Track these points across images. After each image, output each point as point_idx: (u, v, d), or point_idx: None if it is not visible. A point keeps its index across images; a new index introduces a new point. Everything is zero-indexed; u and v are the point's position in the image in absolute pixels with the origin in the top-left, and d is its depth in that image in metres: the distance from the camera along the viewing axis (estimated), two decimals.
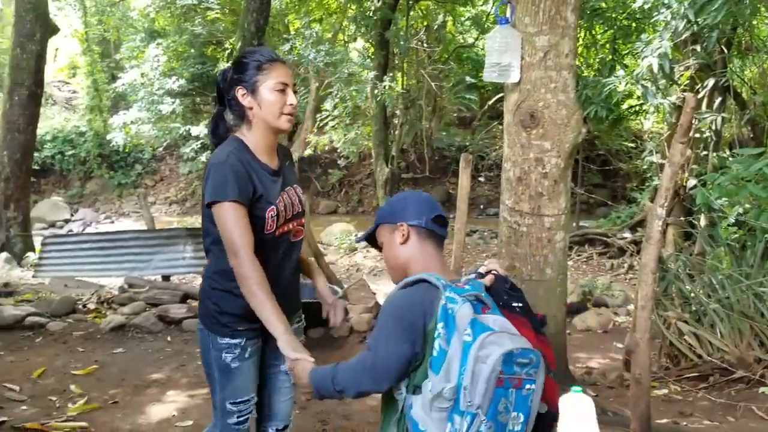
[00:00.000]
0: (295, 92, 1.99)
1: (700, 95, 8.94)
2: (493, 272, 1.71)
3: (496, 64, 2.98)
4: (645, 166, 11.76)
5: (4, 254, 9.42)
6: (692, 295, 4.49)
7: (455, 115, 17.93)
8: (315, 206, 15.90)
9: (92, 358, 4.63)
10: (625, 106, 15.59)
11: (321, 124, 14.10)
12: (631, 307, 6.83)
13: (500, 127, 18.06)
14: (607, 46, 10.89)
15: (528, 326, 1.63)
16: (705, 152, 9.20)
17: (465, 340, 1.46)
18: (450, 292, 1.55)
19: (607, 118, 9.58)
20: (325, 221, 14.07)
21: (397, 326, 1.59)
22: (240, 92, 1.96)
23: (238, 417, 2.11)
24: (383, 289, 6.64)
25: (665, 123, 12.26)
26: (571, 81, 3.01)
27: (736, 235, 4.84)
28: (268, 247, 1.99)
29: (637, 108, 15.94)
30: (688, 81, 9.77)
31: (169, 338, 5.14)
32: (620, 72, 9.72)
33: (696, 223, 8.24)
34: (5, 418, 3.48)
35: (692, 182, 8.75)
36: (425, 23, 15.35)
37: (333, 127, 13.64)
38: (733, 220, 4.56)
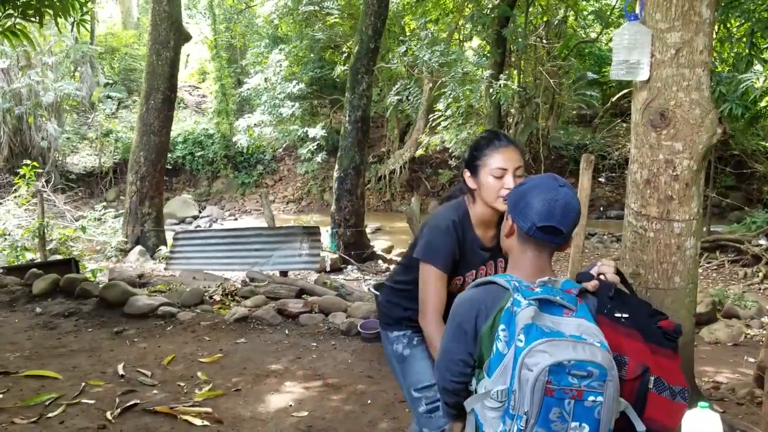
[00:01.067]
0: (519, 175, 2.11)
1: None
2: (600, 276, 1.66)
3: (624, 61, 2.83)
4: None
5: (139, 247, 10.23)
6: None
7: (574, 112, 17.33)
8: (425, 206, 15.95)
9: (217, 347, 4.90)
10: (762, 104, 14.39)
11: (433, 125, 14.11)
12: (765, 319, 6.39)
13: (624, 125, 17.35)
14: (744, 39, 10.11)
15: (636, 337, 1.56)
16: None
17: (517, 346, 1.45)
18: (518, 295, 1.52)
19: (742, 117, 8.89)
20: None
21: (451, 324, 1.66)
22: (467, 174, 2.18)
23: (426, 404, 2.27)
24: None
25: None
26: (705, 79, 2.79)
27: None
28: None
29: None
30: None
31: (286, 331, 5.35)
32: (758, 67, 8.98)
33: None
34: (138, 401, 3.77)
35: None
36: (545, 19, 14.93)
37: (445, 127, 13.60)
38: None
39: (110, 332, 5.19)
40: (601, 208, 15.43)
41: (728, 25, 11.05)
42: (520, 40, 12.70)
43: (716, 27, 11.07)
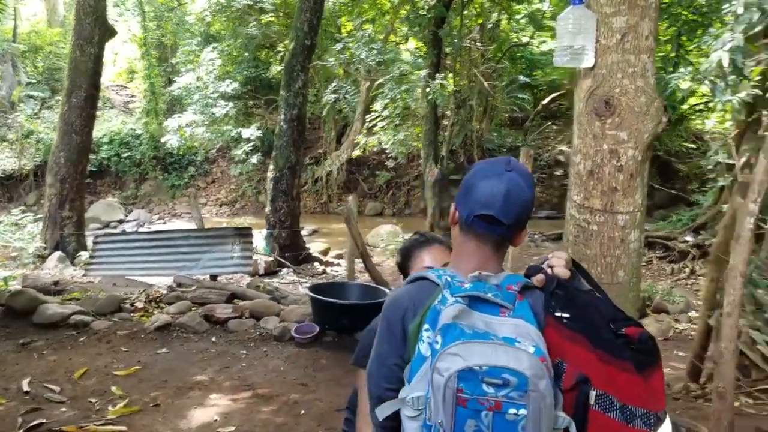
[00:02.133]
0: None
1: None
2: (546, 270, 1.46)
3: (569, 47, 2.70)
4: (710, 167, 11.17)
5: (58, 253, 9.57)
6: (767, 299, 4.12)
7: (507, 115, 17.55)
8: (362, 208, 15.75)
9: (135, 358, 4.53)
10: (685, 106, 14.94)
11: (370, 125, 13.93)
12: (693, 313, 6.50)
13: (554, 127, 17.69)
14: (671, 42, 10.44)
15: (581, 342, 1.35)
16: None
17: (433, 348, 1.31)
18: (446, 291, 1.37)
19: (669, 119, 9.09)
20: (371, 223, 13.90)
21: (381, 326, 1.50)
22: (401, 280, 2.09)
23: None
24: None
25: (733, 121, 11.63)
26: (650, 65, 2.70)
27: None
28: None
29: (702, 107, 15.27)
30: (759, 77, 9.18)
31: (213, 339, 5.02)
32: (683, 69, 9.22)
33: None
34: (43, 420, 3.40)
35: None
36: (479, 21, 15.03)
37: (382, 128, 13.45)
38: None
39: (16, 344, 4.73)
40: (533, 208, 15.66)
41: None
42: (455, 41, 12.69)
43: None
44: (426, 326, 1.36)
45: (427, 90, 10.78)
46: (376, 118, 13.15)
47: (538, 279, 1.45)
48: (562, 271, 1.47)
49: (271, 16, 15.83)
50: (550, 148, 17.19)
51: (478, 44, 14.99)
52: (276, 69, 14.24)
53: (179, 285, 7.02)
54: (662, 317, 6.21)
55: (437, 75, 11.61)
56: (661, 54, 10.91)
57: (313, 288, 5.39)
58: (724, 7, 8.28)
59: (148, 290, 6.70)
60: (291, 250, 9.78)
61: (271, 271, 9.11)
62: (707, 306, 4.35)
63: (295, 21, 9.95)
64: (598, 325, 1.39)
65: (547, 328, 1.37)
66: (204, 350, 4.74)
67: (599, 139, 2.79)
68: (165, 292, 6.59)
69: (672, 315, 6.41)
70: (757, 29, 8.50)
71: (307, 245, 10.63)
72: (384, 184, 16.31)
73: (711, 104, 13.06)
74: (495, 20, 15.76)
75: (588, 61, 2.71)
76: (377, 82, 12.65)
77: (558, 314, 1.39)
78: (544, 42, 17.91)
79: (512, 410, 1.24)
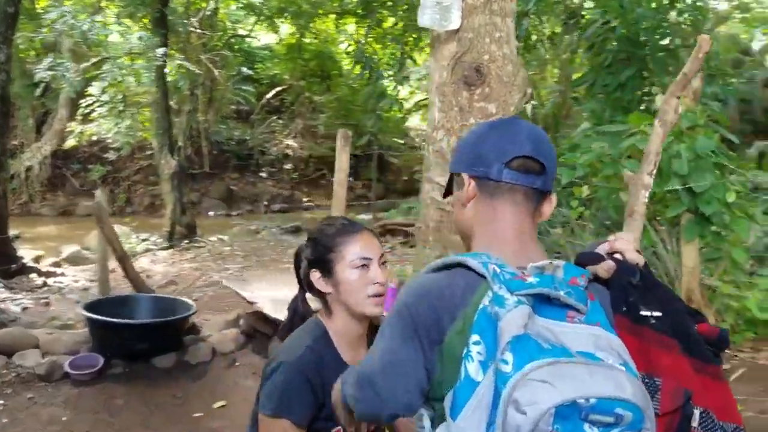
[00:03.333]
0: (383, 263, 1.64)
1: None
2: (617, 255, 1.13)
3: (436, 3, 2.55)
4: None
5: None
6: None
7: (233, 107, 17.08)
8: (72, 207, 13.81)
9: None
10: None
11: (87, 112, 12.19)
12: None
13: (280, 121, 17.74)
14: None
15: (676, 350, 1.07)
16: None
17: (501, 370, 0.93)
18: (499, 287, 1.00)
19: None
20: (89, 223, 12.21)
21: (397, 323, 1.11)
22: (315, 275, 1.66)
23: None
24: (259, 293, 5.35)
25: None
26: (513, 31, 2.70)
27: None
28: None
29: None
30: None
31: None
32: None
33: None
34: None
35: None
36: (203, 5, 14.25)
37: (102, 115, 11.87)
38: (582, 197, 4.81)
39: None
40: (266, 203, 15.54)
41: (383, 26, 12.13)
42: (183, 22, 11.81)
43: (375, 26, 12.05)
44: (475, 337, 0.98)
45: (165, 71, 9.81)
46: (93, 103, 11.53)
47: (607, 267, 1.10)
48: (636, 257, 1.13)
49: None
50: (277, 142, 17.22)
51: (199, 31, 14.22)
52: None
53: None
54: None
55: (166, 58, 10.64)
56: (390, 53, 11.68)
57: (90, 306, 4.36)
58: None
59: None
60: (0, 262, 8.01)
61: None
62: None
63: None
64: (687, 324, 1.10)
65: (620, 333, 1.04)
66: None
67: (466, 112, 2.72)
68: None
69: None
70: None
71: (20, 254, 8.84)
72: (99, 179, 14.47)
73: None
74: (212, 9, 15.10)
75: (455, 21, 2.62)
76: (93, 62, 11.11)
77: (644, 313, 1.08)
78: (260, 35, 17.89)
79: None
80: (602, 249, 1.16)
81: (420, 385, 1.06)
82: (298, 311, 1.77)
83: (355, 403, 1.16)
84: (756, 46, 14.47)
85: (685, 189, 3.69)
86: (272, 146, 17.06)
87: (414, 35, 10.47)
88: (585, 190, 4.55)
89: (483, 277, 1.03)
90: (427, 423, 1.09)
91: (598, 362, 0.94)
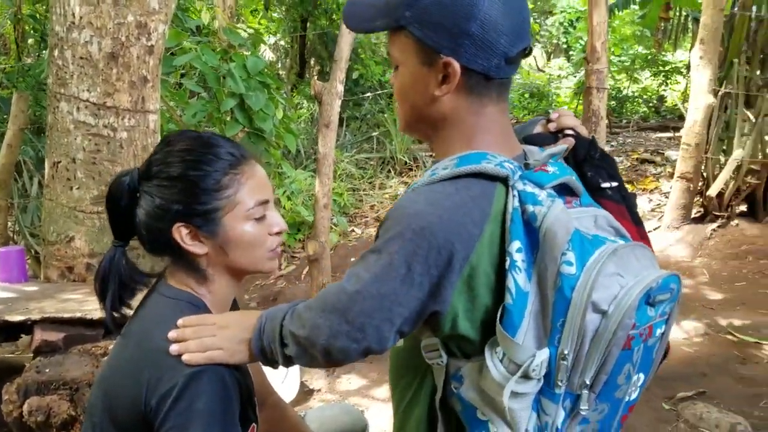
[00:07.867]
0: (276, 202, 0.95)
1: None
2: (568, 131, 1.08)
3: None
4: None
5: None
6: None
7: None
8: None
9: None
10: None
11: None
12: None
13: None
14: None
15: (626, 216, 1.06)
16: None
17: (565, 273, 0.85)
18: (525, 184, 0.92)
19: None
20: None
21: (401, 252, 0.90)
22: (182, 232, 1.11)
23: None
24: None
25: None
26: None
27: None
28: None
29: None
30: None
31: None
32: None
33: None
34: None
35: None
36: None
37: None
38: None
39: None
40: None
41: None
42: None
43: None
44: (516, 244, 0.88)
45: None
46: None
47: (568, 141, 1.06)
48: (584, 130, 1.11)
49: None
50: None
51: None
52: None
53: None
54: None
55: None
56: None
57: None
58: None
59: None
60: None
61: None
62: None
63: None
64: (625, 188, 1.09)
65: None
66: None
67: (122, 6, 2.10)
68: None
69: None
70: None
71: None
72: None
73: None
74: None
75: None
76: None
77: (605, 185, 1.06)
78: None
79: (658, 330, 0.92)
80: (551, 126, 1.12)
81: (407, 323, 0.93)
82: (123, 276, 1.17)
83: (326, 339, 0.95)
84: None
85: (239, 107, 3.84)
86: None
87: None
88: None
89: (495, 180, 0.92)
90: (441, 348, 0.96)
91: (627, 243, 0.92)
